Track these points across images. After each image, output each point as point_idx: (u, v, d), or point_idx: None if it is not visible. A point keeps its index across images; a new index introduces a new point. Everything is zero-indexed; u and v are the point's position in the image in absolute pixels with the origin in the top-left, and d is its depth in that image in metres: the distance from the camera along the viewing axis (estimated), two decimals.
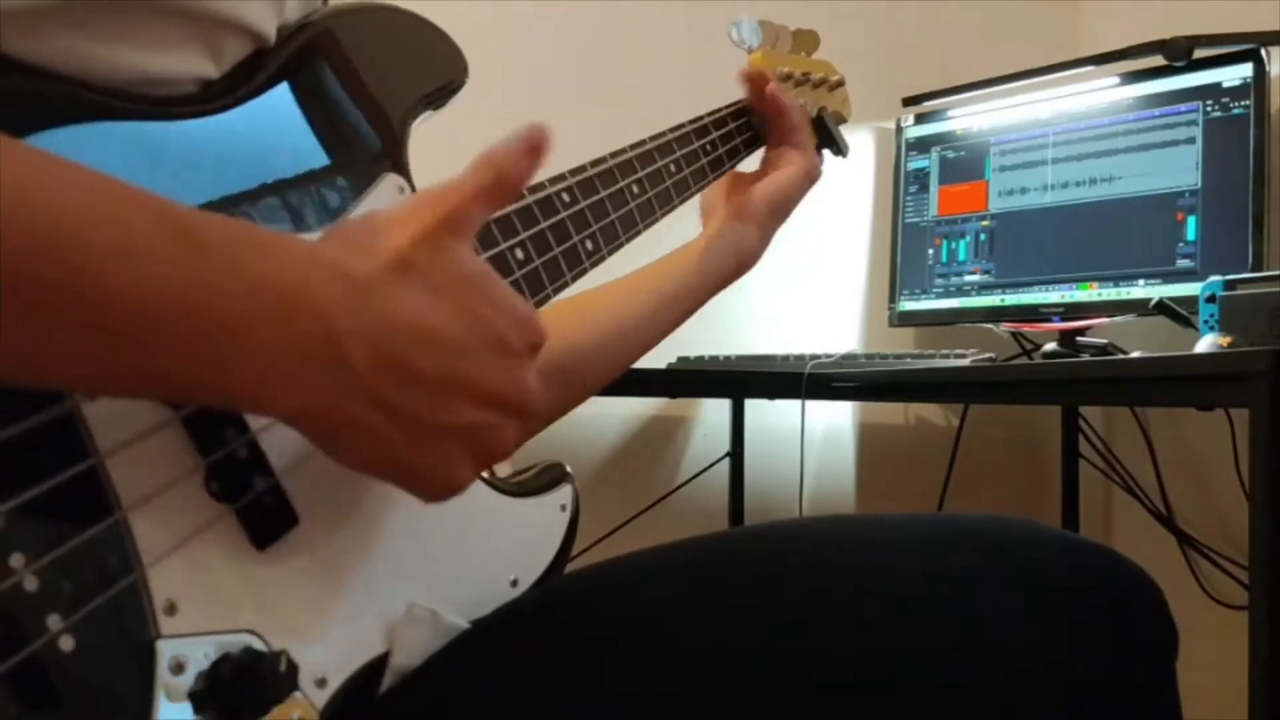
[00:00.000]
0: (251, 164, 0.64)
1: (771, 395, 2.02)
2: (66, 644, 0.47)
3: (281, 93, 0.67)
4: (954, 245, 2.10)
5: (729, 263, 1.08)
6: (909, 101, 2.20)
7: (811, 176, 1.13)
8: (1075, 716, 0.69)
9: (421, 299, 0.56)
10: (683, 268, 1.05)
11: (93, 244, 0.45)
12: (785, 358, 1.83)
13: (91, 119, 0.57)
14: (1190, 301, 1.50)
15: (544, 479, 0.81)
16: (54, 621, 0.47)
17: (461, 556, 0.72)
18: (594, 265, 0.86)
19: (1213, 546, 1.97)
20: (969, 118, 2.11)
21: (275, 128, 0.66)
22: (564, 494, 0.82)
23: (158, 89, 0.61)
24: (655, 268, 1.05)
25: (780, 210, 1.12)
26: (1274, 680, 1.10)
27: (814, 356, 1.78)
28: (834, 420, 2.26)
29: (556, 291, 0.81)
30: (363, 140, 0.71)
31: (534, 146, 0.62)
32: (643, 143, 0.97)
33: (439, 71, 0.77)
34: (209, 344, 0.48)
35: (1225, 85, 1.79)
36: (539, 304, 0.79)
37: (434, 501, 0.59)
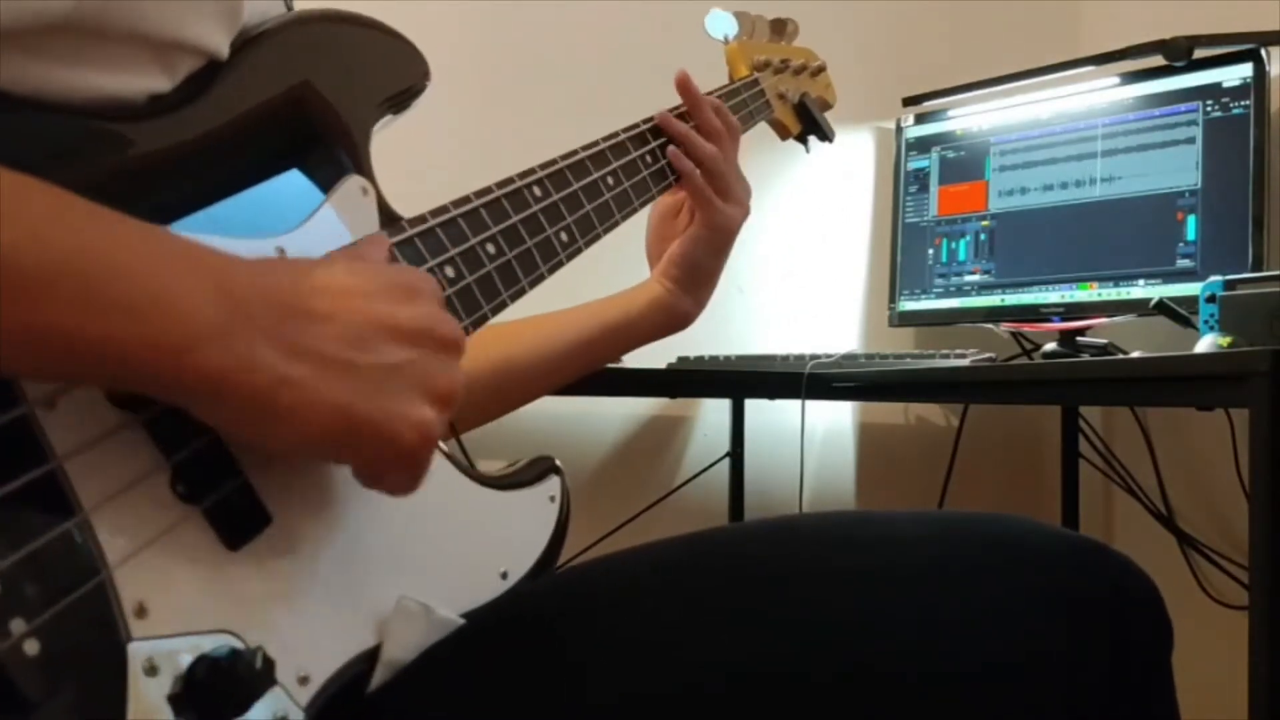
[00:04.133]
0: (211, 169, 0.64)
1: (771, 395, 2.02)
2: (31, 648, 0.47)
3: (240, 102, 0.67)
4: (954, 245, 2.09)
5: (660, 324, 1.09)
6: (909, 101, 2.19)
7: (723, 237, 1.08)
8: (1072, 708, 0.70)
9: (313, 265, 0.59)
10: (616, 316, 1.07)
11: None
12: (785, 358, 1.83)
13: (46, 130, 0.57)
14: (1190, 301, 1.49)
15: (531, 472, 0.82)
16: (17, 625, 0.47)
17: (448, 549, 0.71)
18: (571, 257, 0.85)
19: (1213, 546, 1.96)
20: (969, 118, 2.11)
21: (235, 136, 0.66)
22: (552, 486, 0.82)
23: (112, 105, 0.61)
24: (588, 310, 1.07)
25: (705, 277, 1.10)
26: (1274, 680, 1.10)
27: (814, 356, 1.78)
28: (834, 420, 2.26)
29: (533, 284, 0.81)
30: (325, 145, 0.71)
31: None
32: (616, 134, 0.96)
33: (399, 76, 0.77)
34: (107, 303, 0.48)
35: (1225, 85, 1.78)
36: (514, 296, 0.79)
37: (410, 461, 0.58)
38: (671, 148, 1.02)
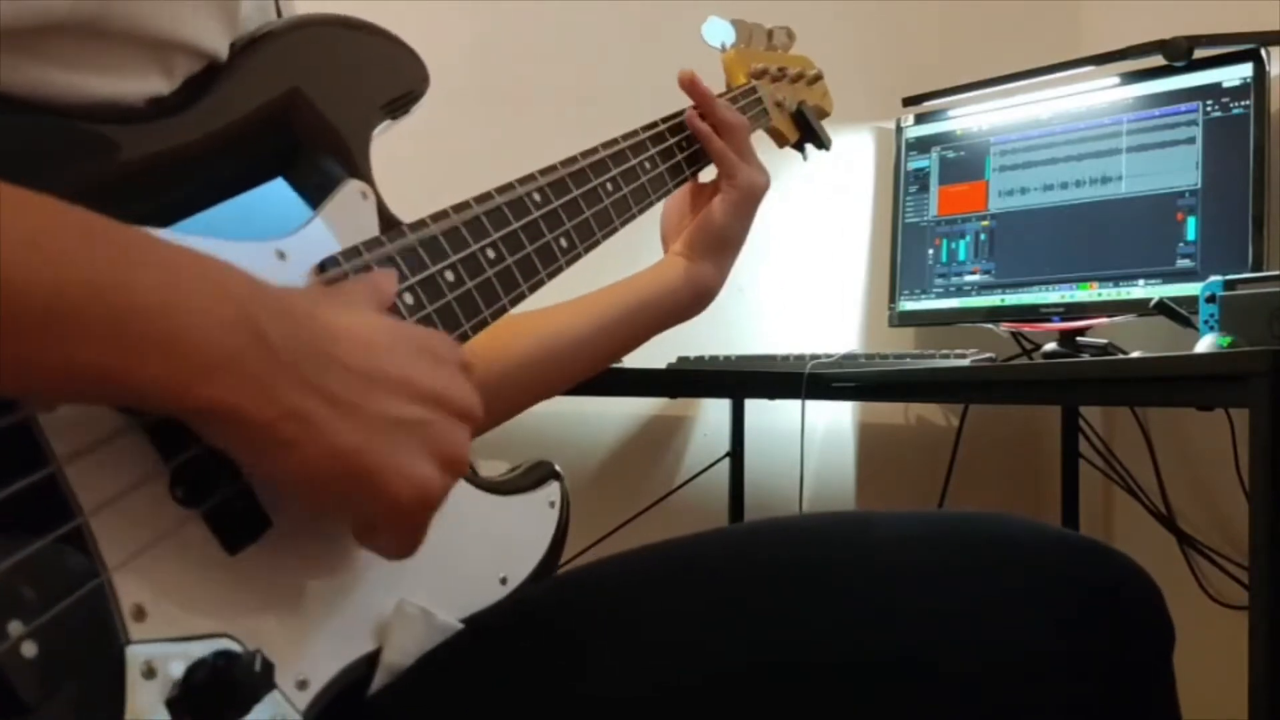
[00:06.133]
0: (207, 173, 0.64)
1: (771, 395, 2.02)
2: (29, 650, 0.47)
3: (239, 107, 0.67)
4: (954, 245, 2.09)
5: (687, 297, 1.08)
6: (909, 101, 2.19)
7: (748, 199, 1.10)
8: (1072, 708, 0.70)
9: (339, 309, 0.58)
10: (641, 294, 1.06)
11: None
12: (785, 358, 1.83)
13: (44, 133, 0.57)
14: (1190, 301, 1.49)
15: (531, 477, 0.81)
16: (15, 628, 0.46)
17: (447, 555, 0.71)
18: (570, 263, 0.86)
19: (1213, 546, 1.96)
20: (969, 118, 2.11)
21: (234, 140, 0.66)
22: (551, 491, 0.81)
23: (110, 108, 0.60)
24: (612, 291, 1.06)
25: (729, 243, 1.10)
26: (1274, 680, 1.10)
27: (814, 356, 1.78)
28: (834, 420, 2.26)
29: (533, 289, 0.81)
30: (324, 150, 0.71)
31: None
32: (615, 141, 0.96)
33: (398, 82, 0.77)
34: (122, 331, 0.47)
35: (1225, 85, 1.78)
36: (514, 301, 0.79)
37: (403, 519, 0.57)
38: (690, 111, 1.06)
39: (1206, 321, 1.42)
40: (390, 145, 0.77)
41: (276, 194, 0.67)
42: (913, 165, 2.17)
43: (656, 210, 1.04)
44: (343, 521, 0.60)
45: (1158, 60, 1.81)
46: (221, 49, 0.67)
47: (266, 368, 0.52)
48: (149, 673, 0.51)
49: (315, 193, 0.69)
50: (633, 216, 0.96)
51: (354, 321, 0.58)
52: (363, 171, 0.73)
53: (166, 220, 0.60)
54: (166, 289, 0.49)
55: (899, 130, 2.20)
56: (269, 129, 0.68)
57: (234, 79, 0.67)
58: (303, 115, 0.70)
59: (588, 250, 0.88)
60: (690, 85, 1.07)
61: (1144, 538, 2.05)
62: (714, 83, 1.14)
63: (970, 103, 2.12)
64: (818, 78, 1.28)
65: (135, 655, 0.51)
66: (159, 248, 0.51)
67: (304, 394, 0.53)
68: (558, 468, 0.83)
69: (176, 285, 0.50)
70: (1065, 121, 1.98)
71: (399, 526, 0.58)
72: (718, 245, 1.09)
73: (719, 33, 1.18)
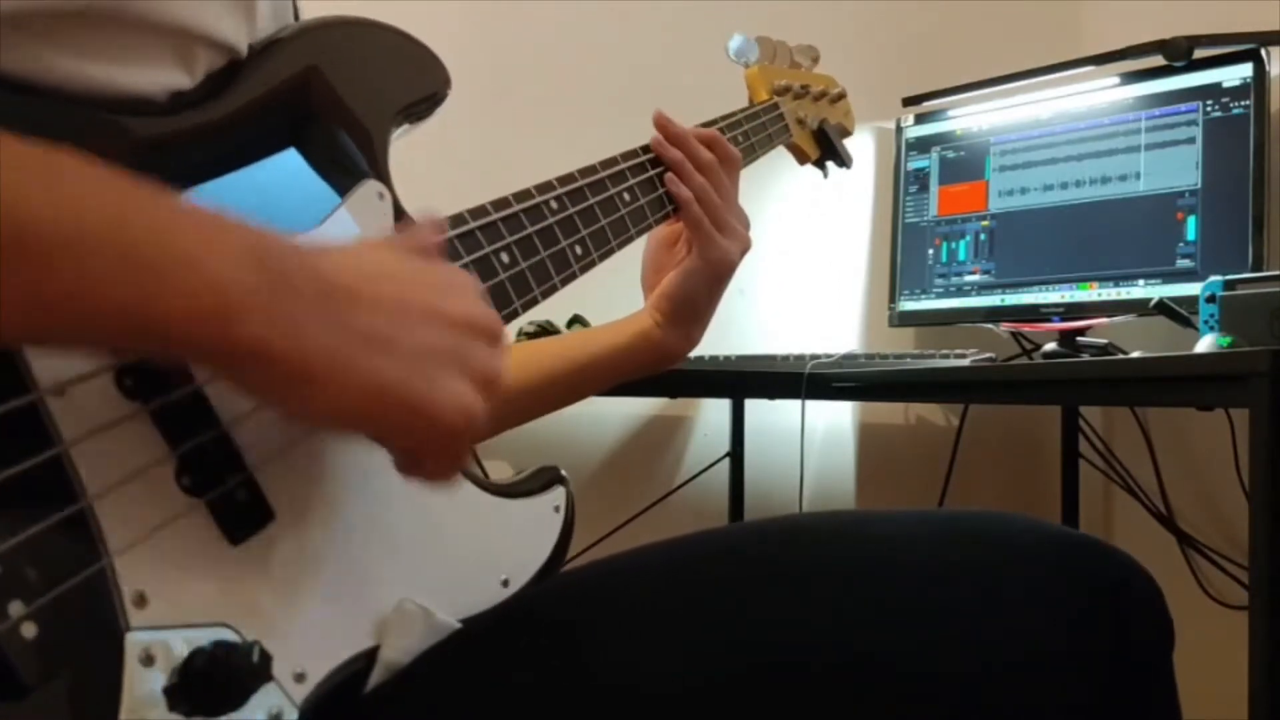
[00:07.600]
0: (220, 157, 0.64)
1: (771, 395, 2.02)
2: (29, 630, 0.47)
3: (259, 105, 0.67)
4: (954, 245, 2.09)
5: (648, 360, 1.05)
6: (909, 101, 2.19)
7: (717, 274, 1.02)
8: (1072, 706, 0.70)
9: (352, 249, 0.59)
10: (601, 348, 1.05)
11: (14, 174, 0.44)
12: (785, 358, 1.83)
13: (65, 122, 0.57)
14: (1190, 301, 1.49)
15: (537, 481, 0.81)
16: (15, 608, 0.47)
17: (450, 555, 0.71)
18: (585, 270, 0.86)
19: (1213, 546, 1.96)
20: (969, 118, 2.11)
21: (253, 137, 0.66)
22: (557, 496, 0.81)
23: (133, 100, 0.61)
24: (568, 342, 1.07)
25: (696, 314, 1.04)
26: (1274, 680, 1.10)
27: (814, 356, 1.78)
28: (834, 420, 2.26)
29: (545, 295, 0.81)
30: (343, 151, 0.71)
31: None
32: (635, 153, 0.96)
33: (420, 84, 0.77)
34: (146, 264, 0.47)
35: (1225, 85, 1.78)
36: (526, 306, 0.79)
37: (448, 442, 0.57)
38: (669, 174, 0.98)
39: (1206, 321, 1.42)
40: (404, 147, 0.77)
41: (298, 189, 0.68)
42: (913, 165, 2.17)
43: None
44: (357, 463, 0.60)
45: (1158, 60, 1.81)
46: (240, 43, 0.67)
47: (293, 305, 0.51)
48: (147, 659, 0.51)
49: (332, 171, 0.69)
50: (649, 227, 0.96)
51: (373, 255, 0.59)
52: (381, 172, 0.73)
53: None
54: (188, 228, 0.49)
55: (899, 130, 2.20)
56: (284, 100, 0.68)
57: (255, 71, 0.67)
58: (320, 92, 0.70)
59: (602, 258, 0.88)
60: (662, 126, 1.00)
61: (1144, 538, 2.05)
62: (736, 98, 1.13)
63: (970, 103, 2.12)
64: (841, 96, 1.28)
65: (134, 641, 0.51)
66: (175, 195, 0.52)
67: (333, 331, 0.53)
68: (564, 473, 0.82)
69: (197, 225, 0.50)
70: (1065, 121, 1.98)
71: (442, 450, 0.58)
72: (685, 314, 1.04)
73: (743, 49, 1.18)
